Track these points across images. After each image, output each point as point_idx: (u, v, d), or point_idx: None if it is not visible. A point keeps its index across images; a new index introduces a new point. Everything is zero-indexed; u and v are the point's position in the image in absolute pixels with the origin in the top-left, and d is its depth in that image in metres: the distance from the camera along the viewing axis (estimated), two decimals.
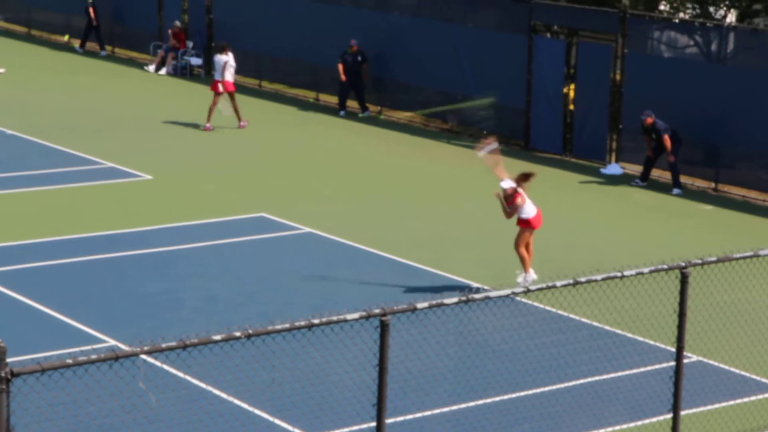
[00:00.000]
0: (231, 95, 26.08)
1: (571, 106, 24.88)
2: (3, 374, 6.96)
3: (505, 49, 25.76)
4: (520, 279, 16.15)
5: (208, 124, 25.84)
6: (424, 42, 27.27)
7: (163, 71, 32.19)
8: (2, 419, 6.97)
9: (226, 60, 25.95)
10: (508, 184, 16.10)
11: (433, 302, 9.09)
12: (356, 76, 27.66)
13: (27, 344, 12.97)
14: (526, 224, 16.12)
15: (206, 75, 31.93)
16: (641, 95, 23.49)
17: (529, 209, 16.12)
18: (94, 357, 7.56)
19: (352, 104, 28.03)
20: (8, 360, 7.04)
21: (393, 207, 20.50)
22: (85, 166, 22.36)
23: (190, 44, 32.32)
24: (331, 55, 28.55)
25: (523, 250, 16.18)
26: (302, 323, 8.40)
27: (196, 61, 32.19)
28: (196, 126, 26.16)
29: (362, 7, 28.80)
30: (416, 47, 27.41)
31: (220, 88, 25.82)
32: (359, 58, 27.50)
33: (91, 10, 34.03)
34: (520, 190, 16.03)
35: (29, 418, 9.68)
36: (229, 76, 25.90)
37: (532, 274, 16.19)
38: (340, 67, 27.52)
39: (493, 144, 16.84)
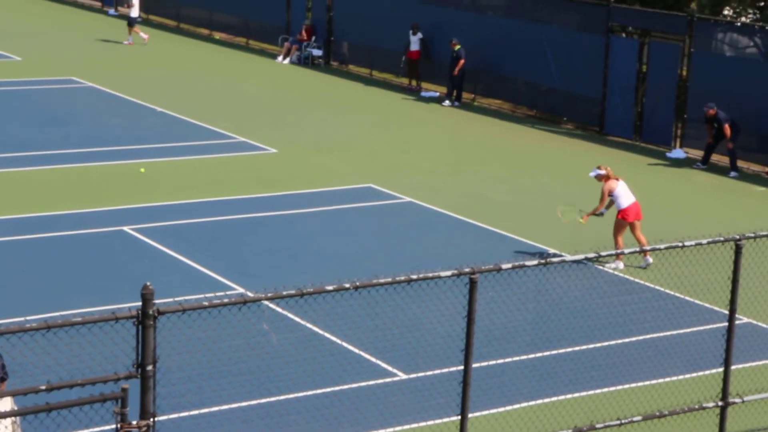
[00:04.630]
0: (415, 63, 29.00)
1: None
2: (151, 312, 7.10)
3: (586, 46, 25.45)
4: (612, 265, 15.44)
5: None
6: (514, 39, 27.03)
7: (287, 61, 32.37)
8: (149, 349, 7.12)
9: (420, 37, 28.71)
10: (594, 172, 15.76)
11: (516, 263, 9.04)
12: (452, 70, 27.41)
13: (171, 289, 13.20)
14: (620, 214, 15.49)
15: (325, 65, 32.05)
16: (705, 89, 23.05)
17: (622, 201, 15.47)
18: (226, 300, 7.67)
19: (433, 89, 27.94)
20: (155, 301, 7.17)
21: (482, 180, 20.41)
22: (221, 140, 22.62)
23: (313, 38, 32.45)
24: (433, 51, 28.53)
25: (619, 239, 15.45)
26: (402, 278, 8.41)
27: (317, 52, 32.31)
28: (316, 107, 26.29)
29: (461, 8, 28.60)
30: (507, 44, 27.19)
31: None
32: (454, 55, 27.18)
33: None
34: (605, 174, 15.50)
35: (171, 350, 9.89)
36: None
37: (621, 264, 15.44)
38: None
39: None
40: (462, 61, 27.04)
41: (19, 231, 15.94)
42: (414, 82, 29.38)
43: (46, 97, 26.09)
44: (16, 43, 32.98)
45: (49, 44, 33.51)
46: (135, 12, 34.12)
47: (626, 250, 9.85)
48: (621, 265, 15.52)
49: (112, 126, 23.33)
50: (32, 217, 16.62)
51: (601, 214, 15.81)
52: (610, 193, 15.54)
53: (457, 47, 27.09)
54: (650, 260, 15.54)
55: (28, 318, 11.59)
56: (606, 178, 15.60)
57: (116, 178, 19.30)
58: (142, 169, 17.89)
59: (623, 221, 15.49)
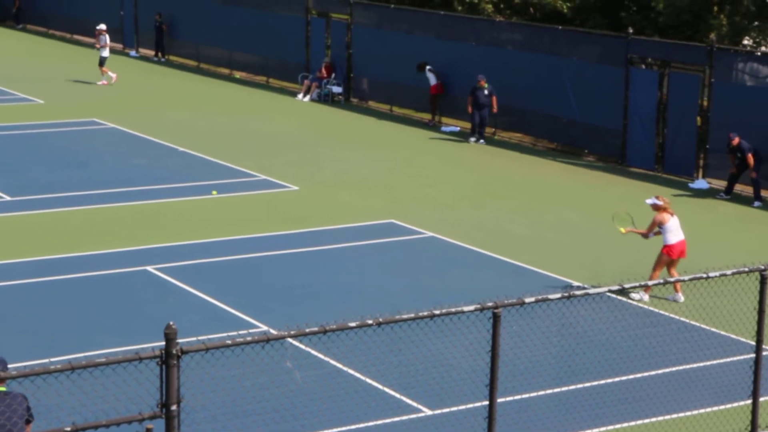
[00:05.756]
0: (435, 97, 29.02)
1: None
2: (174, 351, 7.12)
3: (605, 78, 25.49)
4: (636, 296, 15.47)
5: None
6: (533, 73, 27.09)
7: (307, 98, 32.55)
8: (173, 389, 7.13)
9: (429, 68, 28.89)
10: (652, 200, 15.77)
11: (539, 297, 9.02)
12: (484, 108, 27.06)
13: (194, 327, 13.24)
14: (665, 249, 15.48)
15: (345, 101, 32.20)
16: (726, 119, 23.02)
17: (670, 236, 15.51)
18: (249, 339, 7.68)
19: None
20: (178, 340, 7.19)
21: (504, 214, 20.40)
22: (243, 179, 22.73)
23: (333, 75, 32.62)
24: (452, 86, 28.64)
25: (656, 273, 15.44)
26: (425, 313, 8.41)
27: (337, 89, 32.48)
28: (337, 143, 26.38)
29: (480, 43, 28.71)
30: (527, 77, 27.26)
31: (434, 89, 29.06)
32: (486, 92, 27.16)
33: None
34: (662, 206, 15.47)
35: (195, 389, 9.91)
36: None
37: (646, 296, 15.44)
38: (470, 99, 27.27)
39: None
40: (495, 98, 27.03)
41: (43, 273, 16.03)
42: (436, 118, 29.45)
43: (68, 139, 26.32)
44: (38, 87, 33.32)
45: (71, 87, 33.84)
46: (106, 52, 34.29)
47: (650, 282, 9.82)
48: (646, 297, 15.46)
49: (134, 166, 23.48)
50: (55, 259, 16.72)
51: (645, 236, 15.83)
52: (660, 225, 15.52)
53: (486, 84, 26.95)
54: (681, 298, 15.43)
55: (53, 359, 11.64)
56: (662, 209, 15.58)
57: (139, 218, 19.40)
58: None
59: (667, 257, 15.46)
